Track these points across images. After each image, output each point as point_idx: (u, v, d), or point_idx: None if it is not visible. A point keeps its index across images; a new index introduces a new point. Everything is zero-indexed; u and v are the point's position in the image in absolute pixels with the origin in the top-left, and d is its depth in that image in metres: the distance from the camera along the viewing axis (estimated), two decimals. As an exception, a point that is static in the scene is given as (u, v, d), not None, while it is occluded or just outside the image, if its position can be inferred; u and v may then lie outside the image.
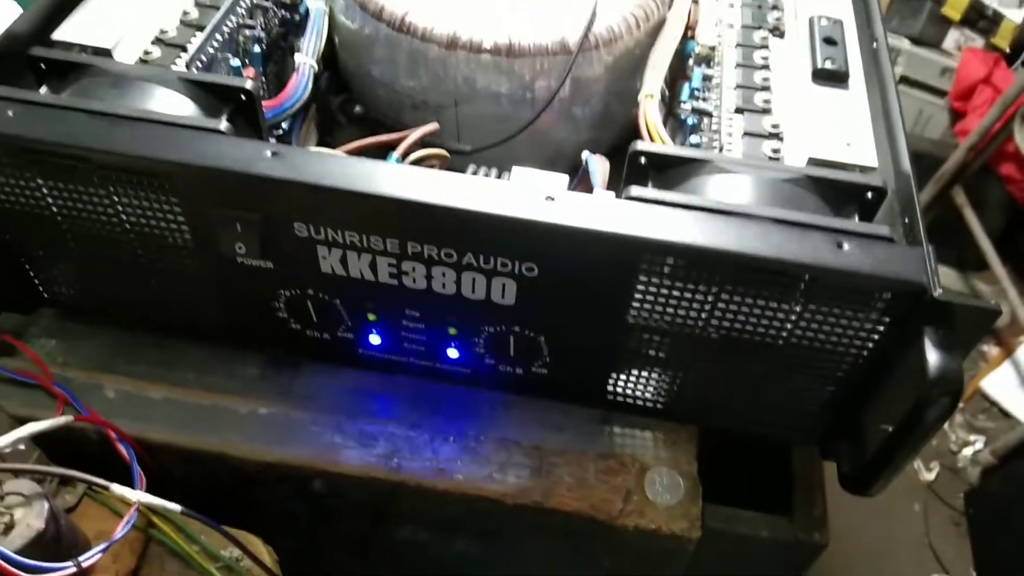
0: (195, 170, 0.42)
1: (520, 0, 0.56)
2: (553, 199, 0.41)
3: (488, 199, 0.40)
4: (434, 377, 0.52)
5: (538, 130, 0.57)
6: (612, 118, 0.60)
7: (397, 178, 0.41)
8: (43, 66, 0.48)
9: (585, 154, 0.52)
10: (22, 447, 0.47)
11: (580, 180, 0.52)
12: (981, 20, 1.63)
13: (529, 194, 0.41)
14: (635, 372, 0.49)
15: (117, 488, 0.43)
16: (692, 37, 0.59)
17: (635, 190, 0.43)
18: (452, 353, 0.50)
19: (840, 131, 0.48)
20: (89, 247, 0.48)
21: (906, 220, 0.43)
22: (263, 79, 0.59)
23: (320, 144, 0.62)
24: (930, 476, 1.31)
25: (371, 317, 0.49)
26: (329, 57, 0.61)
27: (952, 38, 1.64)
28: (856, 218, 0.44)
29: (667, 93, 0.60)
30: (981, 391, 1.43)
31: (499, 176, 0.47)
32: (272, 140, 0.53)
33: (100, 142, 0.42)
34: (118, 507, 0.49)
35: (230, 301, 0.50)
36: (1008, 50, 1.64)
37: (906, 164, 0.45)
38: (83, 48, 0.50)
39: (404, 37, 0.54)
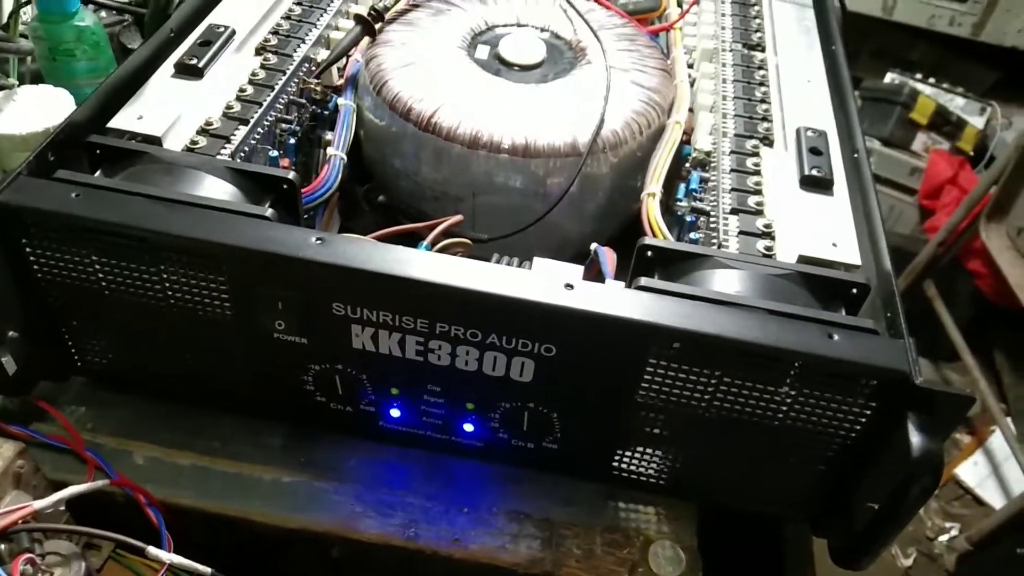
0: (246, 252, 0.46)
1: (535, 104, 0.61)
2: (572, 287, 0.45)
3: (514, 285, 0.45)
4: (448, 451, 0.55)
5: (549, 221, 0.61)
6: (616, 211, 0.65)
7: (431, 264, 0.45)
8: (98, 152, 0.53)
9: (594, 246, 0.56)
10: (56, 509, 0.49)
11: (589, 268, 0.56)
12: (946, 125, 1.74)
13: (550, 282, 0.45)
14: (640, 449, 0.52)
15: (152, 550, 0.46)
16: (689, 142, 0.64)
17: (644, 281, 0.47)
18: (468, 427, 0.53)
19: (826, 232, 0.53)
20: (130, 320, 0.51)
21: (888, 314, 0.48)
22: (294, 167, 0.63)
23: (342, 230, 0.67)
24: (907, 562, 1.33)
25: (394, 392, 0.52)
26: (353, 147, 0.66)
27: (920, 141, 1.74)
28: (843, 311, 0.49)
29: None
30: (955, 478, 1.47)
31: (520, 265, 0.51)
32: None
33: (159, 224, 0.46)
34: (142, 570, 0.51)
35: (261, 374, 0.53)
36: (972, 153, 1.74)
37: (887, 263, 0.50)
38: (135, 136, 0.54)
39: (429, 136, 0.60)
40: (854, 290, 0.49)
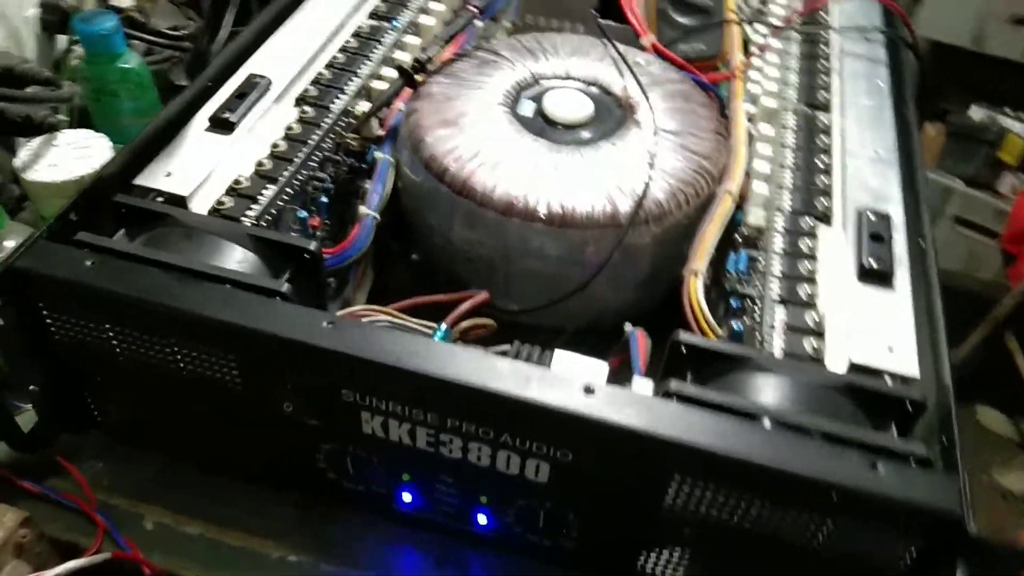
0: (254, 332, 0.44)
1: (576, 169, 0.58)
2: (592, 391, 0.42)
3: (528, 386, 0.42)
4: (461, 538, 0.52)
5: (586, 291, 0.58)
6: (658, 280, 0.61)
7: (443, 358, 0.43)
8: (123, 210, 0.52)
9: (628, 328, 0.53)
10: (61, 577, 0.48)
11: (619, 350, 0.53)
12: (1037, 166, 1.63)
13: (568, 384, 0.42)
14: (667, 553, 0.48)
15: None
16: (741, 208, 0.60)
17: (674, 384, 0.43)
18: (481, 519, 0.50)
19: (883, 334, 0.48)
20: (144, 383, 0.50)
21: (943, 439, 0.43)
22: (327, 223, 0.62)
23: (376, 285, 0.65)
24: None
25: (406, 477, 0.50)
26: (393, 197, 0.64)
27: (1007, 181, 1.64)
28: (893, 429, 0.44)
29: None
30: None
31: (541, 355, 0.48)
32: (329, 303, 0.56)
33: (168, 299, 0.45)
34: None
35: (272, 447, 0.51)
36: (1063, 197, 1.63)
37: (947, 376, 0.46)
38: (160, 194, 0.53)
39: (463, 200, 0.57)
40: (908, 406, 0.44)
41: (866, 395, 0.45)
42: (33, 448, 0.53)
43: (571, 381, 0.42)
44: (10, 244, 0.59)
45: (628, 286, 0.61)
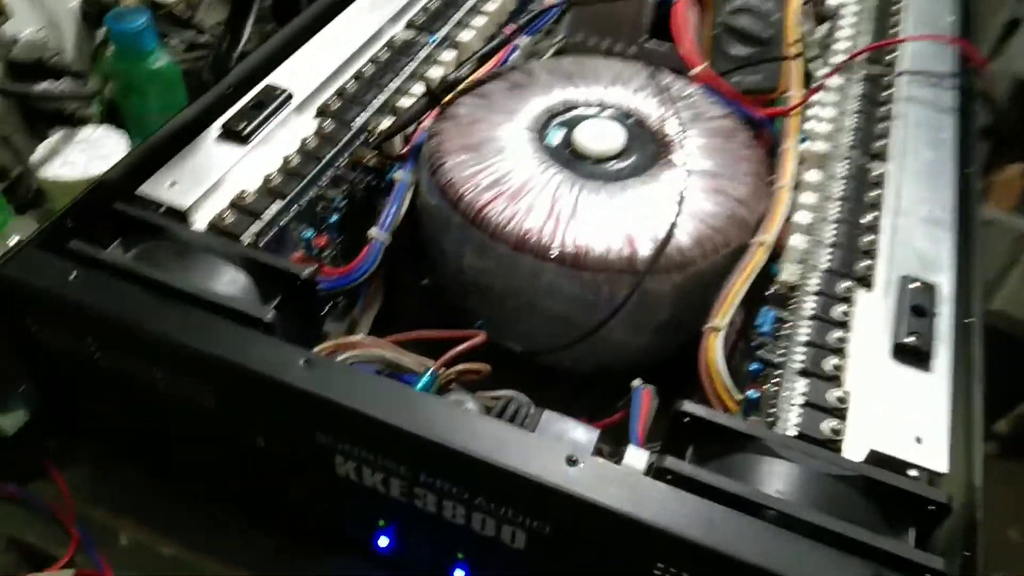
0: (226, 364, 0.42)
1: (598, 207, 0.54)
2: (575, 463, 0.38)
3: (506, 451, 0.39)
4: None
5: (598, 335, 0.55)
6: (679, 328, 0.57)
7: (418, 411, 0.40)
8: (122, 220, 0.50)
9: (636, 384, 0.49)
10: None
11: (626, 404, 0.49)
12: None
13: (551, 453, 0.39)
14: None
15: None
16: (777, 258, 0.56)
17: (669, 461, 0.40)
18: (459, 574, 0.47)
19: (912, 422, 0.43)
20: (125, 396, 0.49)
21: (965, 552, 0.38)
22: (339, 242, 0.59)
23: (385, 308, 0.62)
24: None
25: (381, 523, 0.47)
26: (413, 217, 0.61)
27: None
28: (911, 534, 0.40)
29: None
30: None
31: (530, 413, 0.44)
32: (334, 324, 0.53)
33: (143, 319, 0.43)
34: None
35: (249, 477, 0.49)
36: None
37: (978, 477, 0.41)
38: (161, 204, 0.52)
39: (475, 231, 0.54)
40: (931, 507, 0.40)
41: (884, 491, 0.40)
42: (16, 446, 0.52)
43: (554, 449, 0.39)
44: (13, 241, 0.59)
45: (645, 332, 0.57)
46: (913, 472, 0.42)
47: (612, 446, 0.44)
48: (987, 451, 1.26)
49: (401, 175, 0.60)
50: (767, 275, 0.55)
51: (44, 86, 0.64)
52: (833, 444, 0.43)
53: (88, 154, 0.61)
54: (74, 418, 0.54)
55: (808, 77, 0.73)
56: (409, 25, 0.69)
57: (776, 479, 0.41)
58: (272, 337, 0.43)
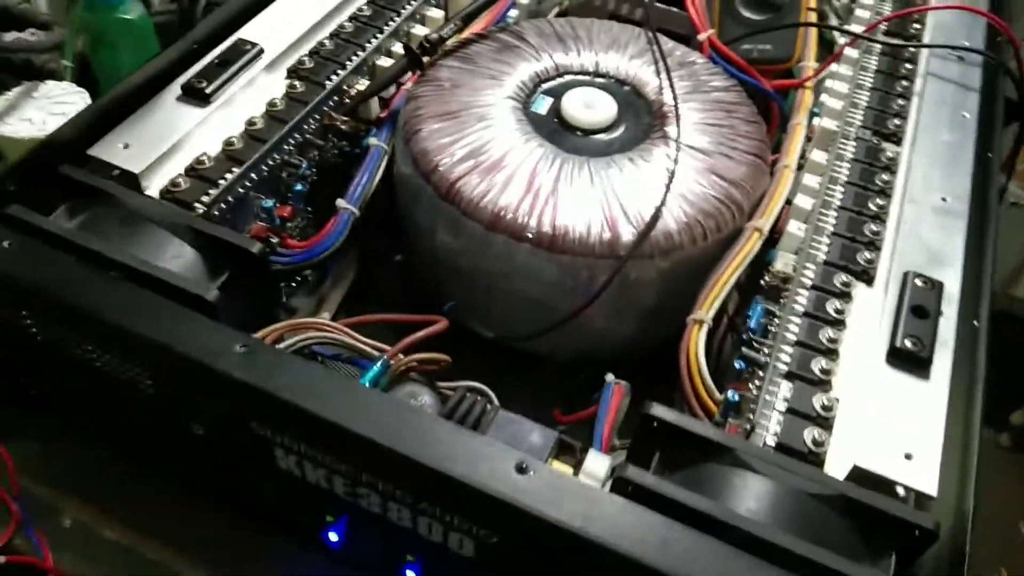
0: (159, 347, 0.39)
1: (582, 184, 0.50)
2: (525, 470, 0.35)
3: (452, 456, 0.35)
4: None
5: (577, 321, 0.51)
6: (666, 316, 0.54)
7: (359, 406, 0.37)
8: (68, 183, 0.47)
9: (609, 379, 0.46)
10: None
11: (593, 402, 0.46)
12: None
13: (499, 460, 0.35)
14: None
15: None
16: (775, 245, 0.52)
17: (632, 471, 0.36)
18: (410, 574, 0.44)
19: (903, 435, 0.40)
20: (66, 372, 0.46)
21: (952, 586, 0.35)
22: (308, 212, 0.56)
23: (356, 283, 0.59)
24: None
25: (328, 519, 0.44)
26: (389, 187, 0.57)
27: None
28: (892, 560, 0.36)
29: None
30: None
31: (484, 411, 0.41)
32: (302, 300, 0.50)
33: (74, 295, 0.40)
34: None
35: (194, 461, 0.47)
36: None
37: (969, 502, 0.37)
38: (113, 168, 0.48)
39: (447, 205, 0.50)
40: (916, 533, 0.36)
41: (865, 511, 0.36)
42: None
43: (504, 455, 0.36)
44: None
45: (629, 320, 0.53)
46: (900, 491, 0.38)
47: (582, 444, 0.41)
48: (1000, 443, 1.20)
49: (376, 142, 0.56)
50: (765, 265, 0.51)
51: (9, 37, 0.61)
52: (815, 456, 0.40)
53: (46, 111, 0.58)
54: (22, 390, 0.52)
55: (831, 47, 0.68)
56: (396, -20, 0.64)
57: (748, 495, 0.37)
58: (210, 319, 0.40)
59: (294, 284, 0.57)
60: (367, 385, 0.41)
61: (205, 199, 0.48)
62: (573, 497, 0.35)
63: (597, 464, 0.38)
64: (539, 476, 0.35)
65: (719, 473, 0.38)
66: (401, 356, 0.44)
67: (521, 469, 0.35)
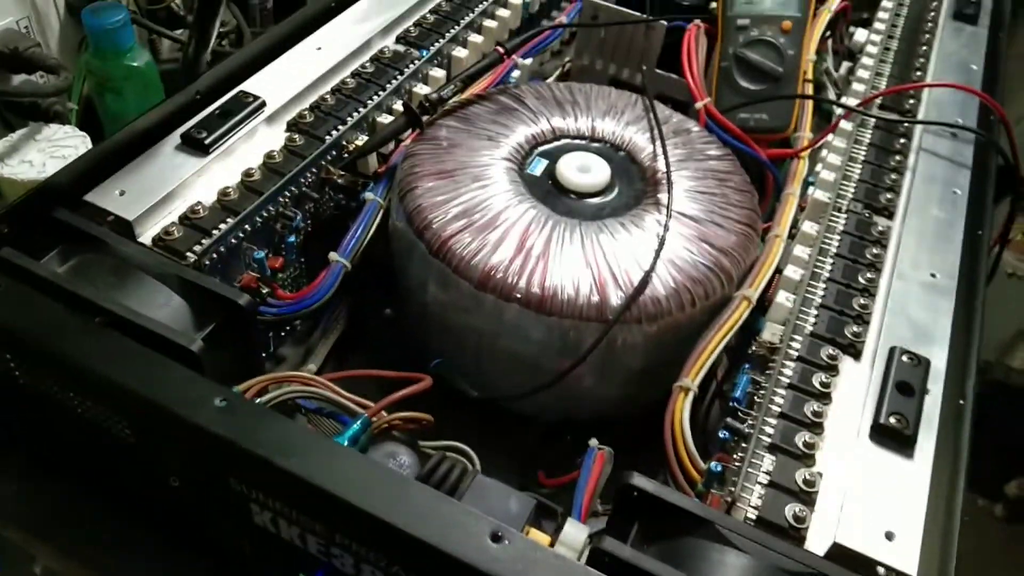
0: (139, 398, 0.38)
1: (572, 247, 0.51)
2: (500, 539, 0.35)
3: (426, 521, 0.35)
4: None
5: (565, 382, 0.51)
6: (653, 378, 0.53)
7: (335, 466, 0.36)
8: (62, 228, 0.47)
9: (592, 443, 0.45)
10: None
11: (579, 465, 0.46)
12: None
13: (474, 527, 0.35)
14: None
15: None
16: (766, 312, 0.52)
17: (609, 543, 0.36)
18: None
19: (884, 514, 0.39)
20: (46, 416, 0.46)
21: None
22: (302, 262, 0.56)
23: (344, 338, 0.59)
24: None
25: (302, 577, 0.43)
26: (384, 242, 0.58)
27: None
28: (871, 646, 0.35)
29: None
30: None
31: (462, 476, 0.40)
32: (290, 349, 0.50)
33: (60, 342, 0.40)
34: None
35: (173, 510, 0.46)
36: None
37: (950, 585, 0.36)
38: (107, 215, 0.49)
39: (439, 263, 0.51)
40: (895, 617, 0.35)
41: (844, 594, 0.36)
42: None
43: (478, 523, 0.35)
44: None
45: (616, 383, 0.53)
46: (880, 571, 0.38)
47: (564, 509, 0.40)
48: (994, 513, 1.19)
49: (372, 196, 0.56)
50: (755, 330, 0.51)
51: (18, 80, 0.62)
52: (795, 532, 0.39)
53: (47, 154, 0.59)
54: (4, 428, 0.52)
55: (828, 116, 0.69)
56: (400, 39, 0.65)
57: (726, 571, 0.37)
58: (193, 370, 0.40)
59: (283, 334, 0.57)
60: (345, 443, 0.41)
61: (197, 248, 0.48)
62: (547, 569, 0.34)
63: (575, 534, 0.38)
64: (514, 545, 0.35)
65: (698, 547, 0.37)
66: (384, 413, 0.43)
67: (496, 538, 0.35)
